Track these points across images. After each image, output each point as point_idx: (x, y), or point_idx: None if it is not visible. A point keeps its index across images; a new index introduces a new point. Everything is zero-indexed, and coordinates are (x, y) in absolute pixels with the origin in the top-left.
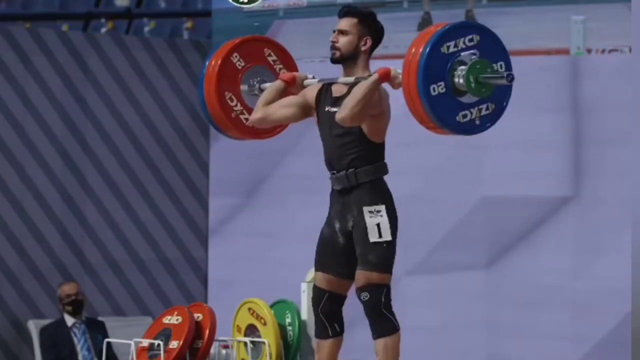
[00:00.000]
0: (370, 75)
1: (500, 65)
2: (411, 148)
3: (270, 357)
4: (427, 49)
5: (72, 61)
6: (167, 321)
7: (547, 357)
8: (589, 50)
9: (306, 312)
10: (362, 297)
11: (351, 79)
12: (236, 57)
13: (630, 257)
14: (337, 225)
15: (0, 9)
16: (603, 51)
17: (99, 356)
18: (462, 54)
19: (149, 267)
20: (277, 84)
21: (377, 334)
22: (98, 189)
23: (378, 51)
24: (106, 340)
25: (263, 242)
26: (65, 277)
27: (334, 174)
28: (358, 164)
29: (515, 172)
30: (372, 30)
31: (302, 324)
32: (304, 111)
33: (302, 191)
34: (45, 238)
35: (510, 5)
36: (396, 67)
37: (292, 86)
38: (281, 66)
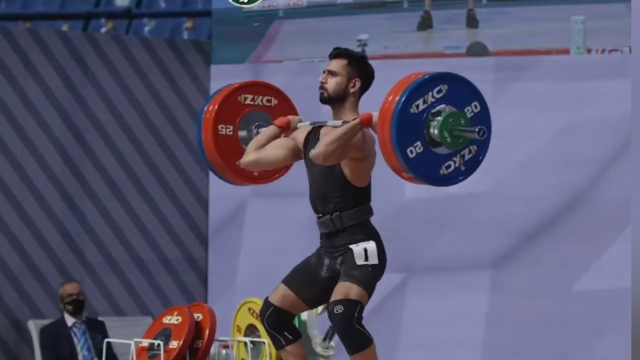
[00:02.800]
0: (355, 119)
1: (475, 106)
2: None
3: (270, 357)
4: (396, 116)
5: (72, 61)
6: (167, 321)
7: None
8: (589, 50)
9: (306, 312)
10: (335, 310)
11: (339, 123)
12: (243, 97)
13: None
14: (326, 261)
15: (0, 9)
16: (603, 51)
17: (99, 356)
18: (434, 109)
19: (149, 267)
20: (272, 129)
21: (352, 349)
22: (98, 189)
23: (378, 50)
24: (106, 340)
25: (263, 242)
26: (65, 277)
27: (319, 217)
28: (342, 208)
29: (516, 168)
30: (362, 73)
31: (302, 324)
32: (294, 153)
33: (302, 192)
34: (45, 238)
35: (510, 5)
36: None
37: (287, 131)
38: (272, 99)
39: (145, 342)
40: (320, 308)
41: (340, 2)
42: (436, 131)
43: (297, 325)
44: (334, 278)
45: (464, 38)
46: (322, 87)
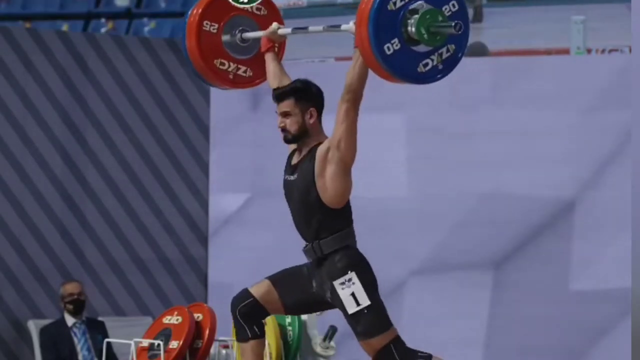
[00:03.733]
0: (322, 140)
1: (453, 5)
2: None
3: (270, 357)
4: (373, 14)
5: (72, 61)
6: (167, 321)
7: None
8: (589, 50)
9: None
10: None
11: (319, 28)
12: (207, 24)
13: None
14: (314, 282)
15: (0, 9)
16: (603, 51)
17: (99, 356)
18: (411, 6)
19: (149, 267)
20: (267, 58)
21: None
22: (98, 189)
23: None
24: (106, 340)
25: (263, 242)
26: (65, 277)
27: (305, 246)
28: (321, 235)
29: (517, 168)
30: (312, 100)
31: (302, 324)
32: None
33: None
34: (45, 238)
35: (510, 5)
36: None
37: (273, 44)
38: (262, 8)
39: (145, 342)
40: None
41: (340, 2)
42: (413, 29)
43: (297, 325)
44: (320, 300)
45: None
46: (283, 131)
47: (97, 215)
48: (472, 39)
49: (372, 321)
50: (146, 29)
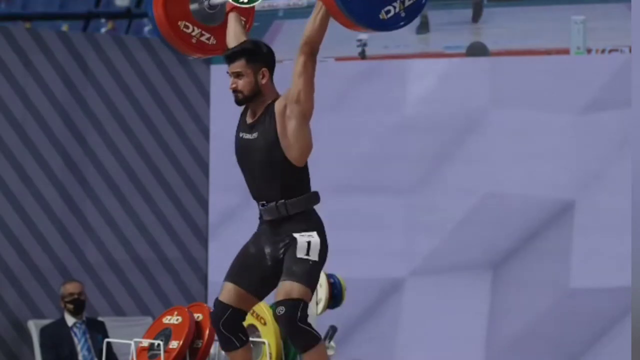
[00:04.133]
0: (277, 95)
1: None
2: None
3: (270, 357)
4: None
5: (72, 61)
6: (167, 321)
7: None
8: (589, 50)
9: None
10: (278, 311)
11: None
12: None
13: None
14: (267, 250)
15: (0, 9)
16: (603, 51)
17: (99, 356)
18: None
19: (149, 267)
20: (230, 17)
21: (302, 348)
22: (98, 189)
23: (378, 51)
24: (106, 340)
25: None
26: (65, 277)
27: (263, 205)
28: (288, 195)
29: (517, 168)
30: (264, 60)
31: None
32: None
33: None
34: (45, 238)
35: (510, 5)
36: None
37: (237, 7)
38: None
39: (145, 342)
40: (320, 308)
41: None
42: None
43: None
44: (277, 266)
45: (464, 38)
46: (235, 91)
47: (97, 215)
48: (472, 39)
49: (308, 273)
50: (146, 29)
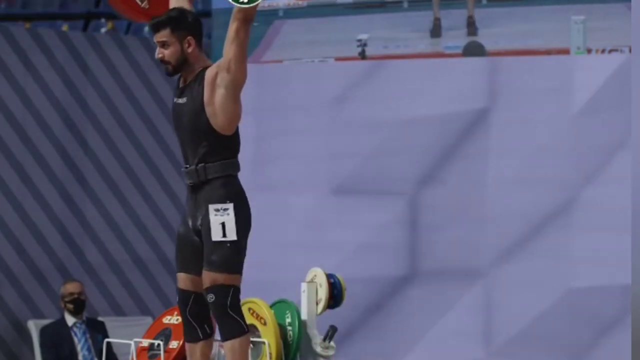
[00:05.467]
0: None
1: None
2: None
3: (270, 357)
4: None
5: (72, 61)
6: (167, 321)
7: None
8: (589, 50)
9: (306, 312)
10: (208, 299)
11: None
12: None
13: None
14: (189, 223)
15: (0, 9)
16: (603, 51)
17: (99, 356)
18: None
19: (149, 267)
20: None
21: (224, 336)
22: (98, 189)
23: (378, 51)
24: (106, 340)
25: (262, 241)
26: (65, 277)
27: (186, 167)
28: (208, 159)
29: (517, 168)
30: (189, 28)
31: (302, 324)
32: None
33: (302, 189)
34: (45, 238)
35: (510, 5)
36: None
37: None
38: None
39: (145, 342)
40: (320, 308)
41: (340, 2)
42: None
43: (297, 325)
44: (202, 240)
45: (464, 38)
46: (162, 62)
47: (97, 215)
48: (471, 39)
49: (228, 257)
50: (146, 29)
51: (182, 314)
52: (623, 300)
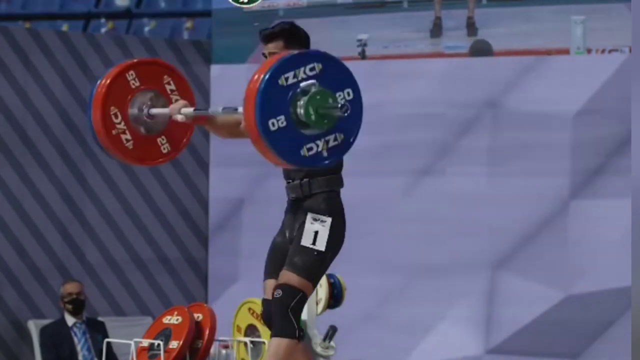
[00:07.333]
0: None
1: (348, 93)
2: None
3: None
4: (262, 85)
5: (72, 61)
6: (167, 321)
7: None
8: (589, 50)
9: (306, 312)
10: (275, 294)
11: (219, 109)
12: (132, 75)
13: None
14: (287, 233)
15: (0, 9)
16: (603, 51)
17: (99, 356)
18: (302, 84)
19: (149, 267)
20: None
21: (276, 332)
22: (98, 189)
23: (378, 51)
24: (106, 340)
25: (263, 242)
26: (65, 277)
27: (289, 182)
28: (314, 175)
29: (517, 168)
30: (301, 44)
31: (302, 324)
32: None
33: None
34: (45, 238)
35: (510, 5)
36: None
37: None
38: (178, 97)
39: (145, 342)
40: (320, 307)
41: (340, 2)
42: (302, 110)
43: None
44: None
45: (464, 38)
46: None
47: (97, 215)
48: (472, 39)
49: (311, 264)
50: (146, 29)
51: (266, 324)
52: (623, 301)
